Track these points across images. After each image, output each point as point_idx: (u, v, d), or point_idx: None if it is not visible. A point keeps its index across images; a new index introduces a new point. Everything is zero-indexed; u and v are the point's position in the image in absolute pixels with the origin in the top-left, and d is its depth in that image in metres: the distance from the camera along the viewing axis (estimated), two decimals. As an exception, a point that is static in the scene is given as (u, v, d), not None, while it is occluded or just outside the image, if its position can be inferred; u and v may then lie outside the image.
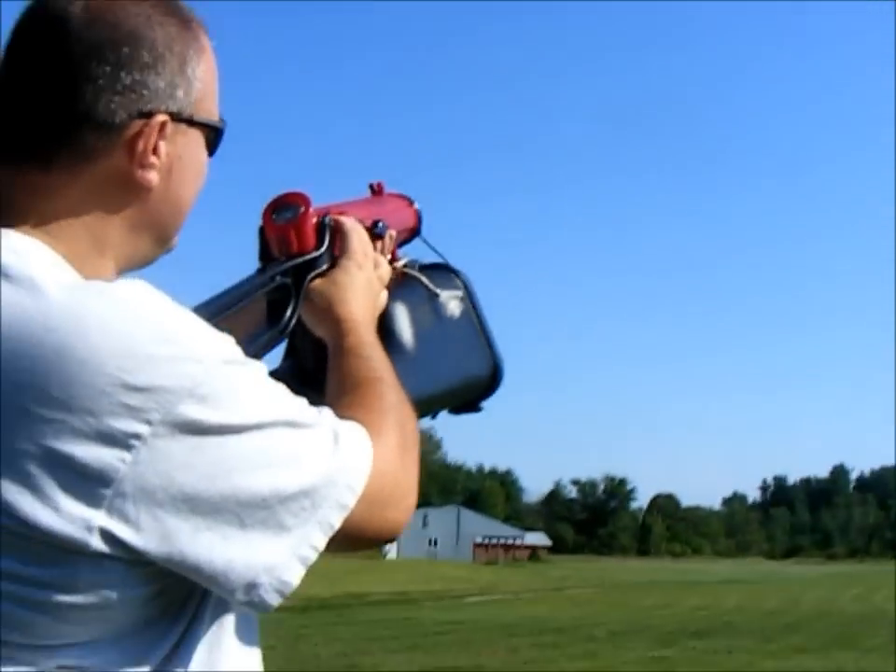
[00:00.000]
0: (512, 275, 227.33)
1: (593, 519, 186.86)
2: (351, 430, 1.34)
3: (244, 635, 1.35)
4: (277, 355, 1.74)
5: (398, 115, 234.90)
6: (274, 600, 1.25)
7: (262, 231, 1.68)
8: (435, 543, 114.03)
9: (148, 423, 1.14)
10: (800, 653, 20.98)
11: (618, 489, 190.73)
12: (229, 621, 1.32)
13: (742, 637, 25.27)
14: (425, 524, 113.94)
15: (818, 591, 44.62)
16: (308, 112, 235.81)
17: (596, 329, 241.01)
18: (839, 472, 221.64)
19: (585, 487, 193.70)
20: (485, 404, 1.96)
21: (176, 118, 1.35)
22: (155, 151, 1.33)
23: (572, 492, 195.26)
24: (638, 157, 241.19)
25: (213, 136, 1.43)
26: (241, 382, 1.22)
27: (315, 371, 1.64)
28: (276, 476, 1.23)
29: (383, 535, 1.39)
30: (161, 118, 1.32)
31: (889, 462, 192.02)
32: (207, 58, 1.40)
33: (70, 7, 1.30)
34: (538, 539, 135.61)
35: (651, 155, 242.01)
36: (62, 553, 1.14)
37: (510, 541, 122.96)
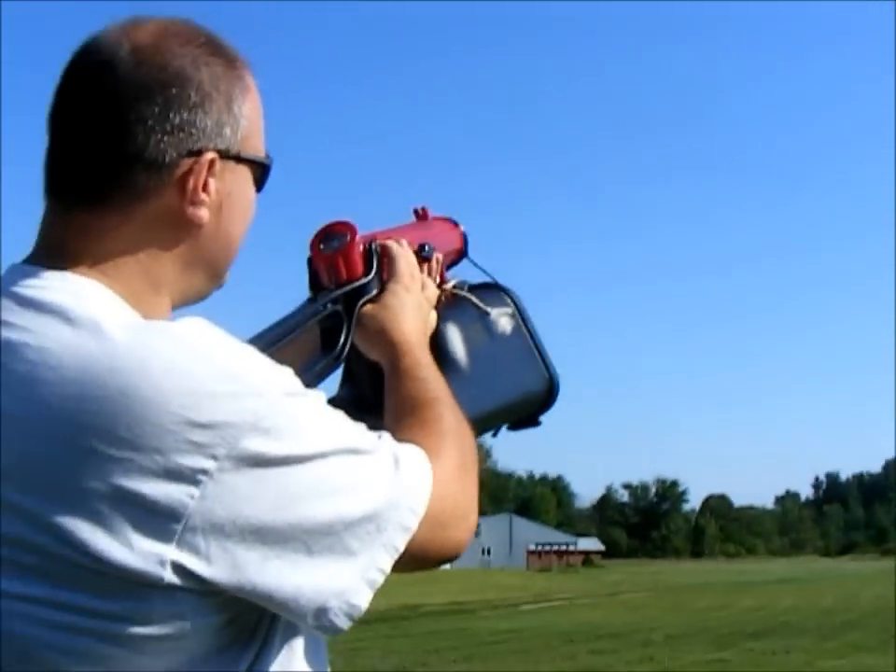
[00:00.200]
0: (555, 279, 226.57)
1: (645, 522, 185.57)
2: (411, 454, 1.36)
3: (313, 658, 1.37)
4: (334, 382, 1.76)
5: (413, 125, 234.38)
6: (344, 623, 1.27)
7: (311, 261, 1.72)
8: (488, 552, 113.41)
9: (214, 458, 1.16)
10: (858, 651, 20.72)
11: (670, 491, 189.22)
12: (298, 644, 1.35)
13: (799, 636, 24.96)
14: (477, 533, 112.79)
15: (874, 587, 44.18)
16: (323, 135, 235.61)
17: (644, 333, 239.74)
18: (892, 467, 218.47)
19: (637, 491, 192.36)
20: (543, 418, 1.97)
21: (225, 155, 1.36)
22: (205, 189, 1.34)
23: (624, 496, 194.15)
24: (661, 162, 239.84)
25: (260, 172, 1.44)
26: (302, 413, 1.24)
27: (372, 395, 1.66)
28: (340, 503, 1.25)
29: (445, 554, 1.42)
30: (209, 155, 1.33)
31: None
32: (253, 96, 1.41)
33: (118, 50, 1.31)
34: (591, 544, 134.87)
35: (671, 161, 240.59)
36: (136, 587, 1.16)
37: (563, 548, 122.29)
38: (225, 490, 1.17)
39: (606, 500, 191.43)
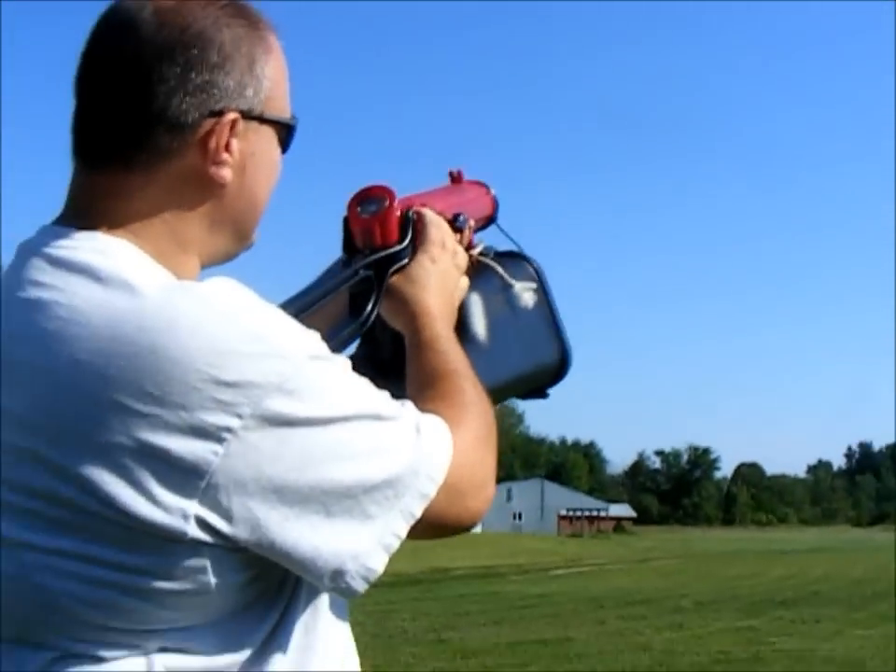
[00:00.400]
0: (593, 247, 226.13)
1: (677, 489, 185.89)
2: (431, 423, 1.38)
3: (336, 614, 1.40)
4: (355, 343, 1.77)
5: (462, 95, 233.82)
6: (360, 586, 1.29)
7: (346, 221, 1.72)
8: (519, 517, 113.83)
9: (239, 416, 1.18)
10: (888, 621, 20.60)
11: (702, 459, 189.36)
12: (323, 602, 1.38)
13: (829, 605, 24.92)
14: (509, 497, 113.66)
15: (905, 558, 44.09)
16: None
17: (678, 300, 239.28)
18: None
19: (669, 458, 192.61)
20: (551, 390, 1.99)
21: (247, 115, 1.37)
22: (227, 149, 1.35)
23: (656, 463, 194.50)
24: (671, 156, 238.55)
25: (285, 133, 1.45)
26: (326, 376, 1.26)
27: (392, 361, 1.67)
28: (361, 466, 1.27)
29: (462, 523, 1.43)
30: (231, 115, 1.35)
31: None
32: (276, 57, 1.42)
33: (140, 12, 1.33)
34: (622, 510, 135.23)
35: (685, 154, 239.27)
36: (161, 542, 1.19)
37: (594, 513, 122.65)
38: (248, 448, 1.19)
39: (638, 467, 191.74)
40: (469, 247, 1.87)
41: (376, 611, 20.87)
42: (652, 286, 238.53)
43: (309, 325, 1.31)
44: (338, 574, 1.27)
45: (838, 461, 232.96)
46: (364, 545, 1.28)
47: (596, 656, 16.36)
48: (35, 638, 1.24)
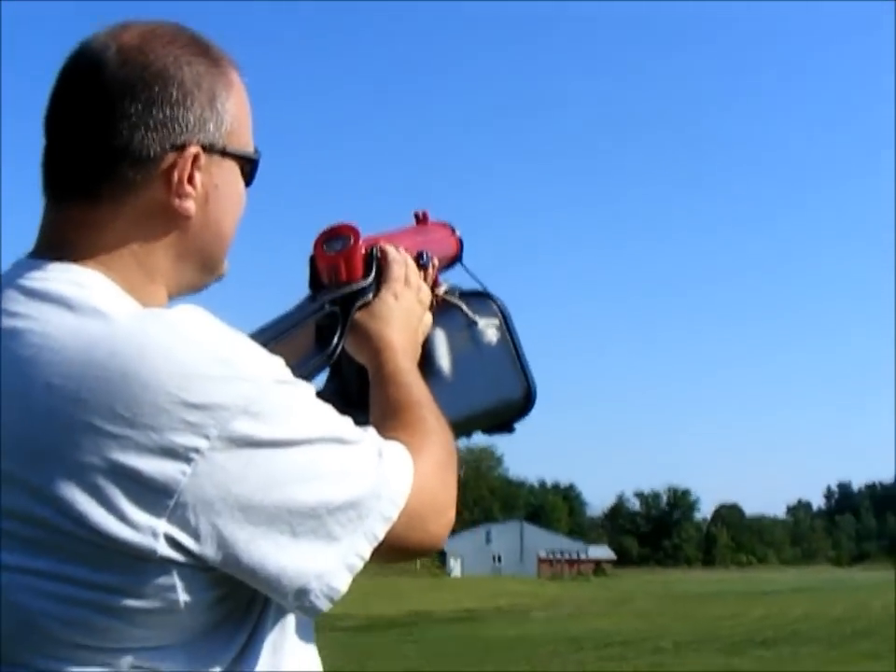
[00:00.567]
0: (563, 285, 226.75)
1: (657, 531, 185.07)
2: (394, 448, 1.43)
3: (302, 635, 1.44)
4: (322, 375, 1.82)
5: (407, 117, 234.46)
6: (324, 605, 1.33)
7: (313, 259, 1.77)
8: (499, 559, 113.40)
9: (206, 437, 1.23)
10: (868, 659, 20.66)
11: (681, 500, 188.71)
12: (290, 623, 1.42)
13: (809, 644, 24.91)
14: (488, 540, 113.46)
15: (886, 597, 43.84)
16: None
17: (657, 340, 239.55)
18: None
19: (648, 499, 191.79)
20: (518, 425, 2.03)
21: (209, 149, 1.42)
22: (191, 181, 1.41)
23: (635, 504, 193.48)
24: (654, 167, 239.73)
25: (248, 167, 1.50)
26: (291, 400, 1.31)
27: (358, 393, 1.72)
28: (325, 488, 1.31)
29: (423, 547, 1.48)
30: (193, 149, 1.40)
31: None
32: (237, 93, 1.47)
33: (106, 51, 1.39)
34: (602, 552, 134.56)
35: (671, 170, 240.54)
36: (131, 560, 1.22)
37: (574, 556, 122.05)
38: (215, 469, 1.24)
39: (617, 509, 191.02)
40: (434, 285, 1.93)
41: (356, 654, 20.80)
42: (632, 326, 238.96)
43: (276, 354, 1.35)
44: (302, 593, 1.31)
45: (818, 501, 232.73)
46: (328, 565, 1.32)
47: (576, 697, 16.34)
48: (11, 658, 1.27)
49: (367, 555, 1.36)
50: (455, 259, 2.11)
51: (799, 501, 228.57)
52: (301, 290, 1.78)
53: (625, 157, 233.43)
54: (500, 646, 26.12)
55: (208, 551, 1.25)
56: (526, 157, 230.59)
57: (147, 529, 1.22)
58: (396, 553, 1.43)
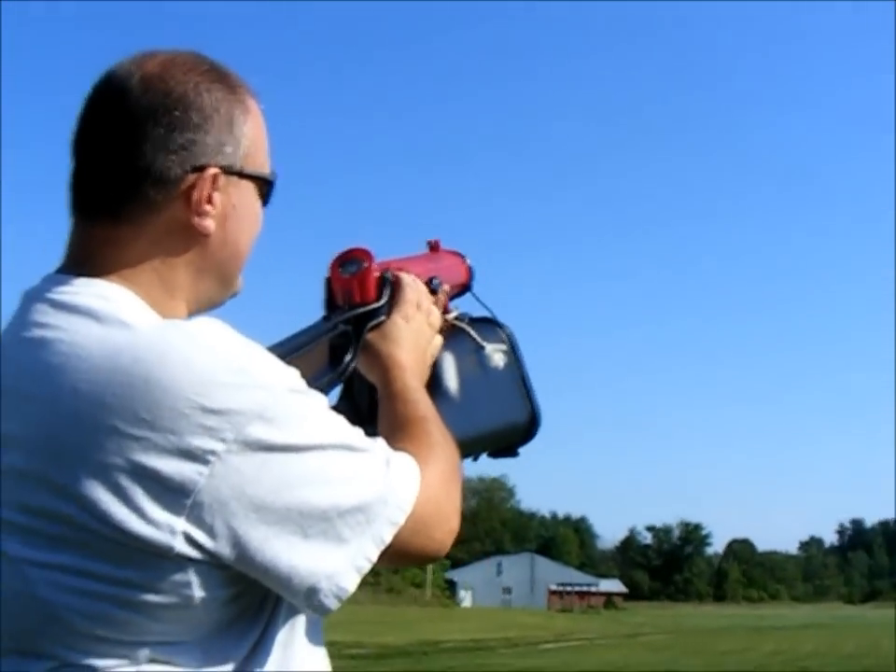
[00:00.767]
0: (581, 314, 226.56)
1: (668, 565, 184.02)
2: (401, 458, 1.49)
3: (311, 635, 1.50)
4: (335, 392, 1.87)
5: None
6: (333, 605, 1.39)
7: (328, 281, 1.84)
8: (509, 591, 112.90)
9: (223, 441, 1.30)
10: (877, 696, 20.66)
11: (693, 535, 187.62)
12: (300, 622, 1.48)
13: (819, 680, 24.91)
14: (499, 571, 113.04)
15: (897, 635, 43.78)
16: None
17: (672, 374, 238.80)
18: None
19: (660, 533, 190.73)
20: (522, 450, 2.09)
21: (227, 171, 1.50)
22: (210, 201, 1.49)
23: (647, 538, 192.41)
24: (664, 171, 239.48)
25: (265, 188, 1.59)
26: (303, 408, 1.38)
27: (368, 409, 1.79)
28: (335, 492, 1.38)
29: (427, 553, 1.53)
30: (212, 171, 1.48)
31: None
32: (254, 118, 1.56)
33: (129, 79, 1.47)
34: (613, 585, 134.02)
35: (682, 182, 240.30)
36: (150, 557, 1.29)
37: (584, 588, 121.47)
38: (231, 471, 1.31)
39: (629, 542, 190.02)
40: (444, 311, 1.99)
41: (365, 683, 20.74)
42: (646, 360, 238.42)
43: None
44: (312, 592, 1.38)
45: (830, 538, 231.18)
46: (338, 566, 1.38)
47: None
48: (36, 649, 1.34)
49: (374, 558, 1.42)
50: (466, 287, 2.18)
51: (811, 537, 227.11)
52: (316, 311, 1.84)
53: (640, 185, 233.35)
54: (509, 677, 26.01)
55: (223, 549, 1.32)
56: (534, 190, 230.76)
57: (166, 527, 1.29)
58: (401, 557, 1.49)
